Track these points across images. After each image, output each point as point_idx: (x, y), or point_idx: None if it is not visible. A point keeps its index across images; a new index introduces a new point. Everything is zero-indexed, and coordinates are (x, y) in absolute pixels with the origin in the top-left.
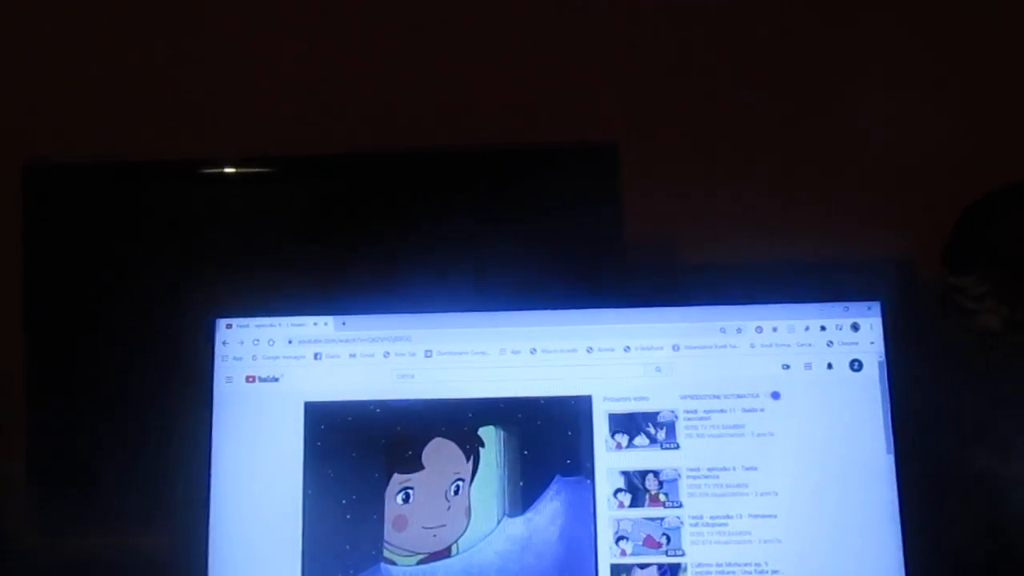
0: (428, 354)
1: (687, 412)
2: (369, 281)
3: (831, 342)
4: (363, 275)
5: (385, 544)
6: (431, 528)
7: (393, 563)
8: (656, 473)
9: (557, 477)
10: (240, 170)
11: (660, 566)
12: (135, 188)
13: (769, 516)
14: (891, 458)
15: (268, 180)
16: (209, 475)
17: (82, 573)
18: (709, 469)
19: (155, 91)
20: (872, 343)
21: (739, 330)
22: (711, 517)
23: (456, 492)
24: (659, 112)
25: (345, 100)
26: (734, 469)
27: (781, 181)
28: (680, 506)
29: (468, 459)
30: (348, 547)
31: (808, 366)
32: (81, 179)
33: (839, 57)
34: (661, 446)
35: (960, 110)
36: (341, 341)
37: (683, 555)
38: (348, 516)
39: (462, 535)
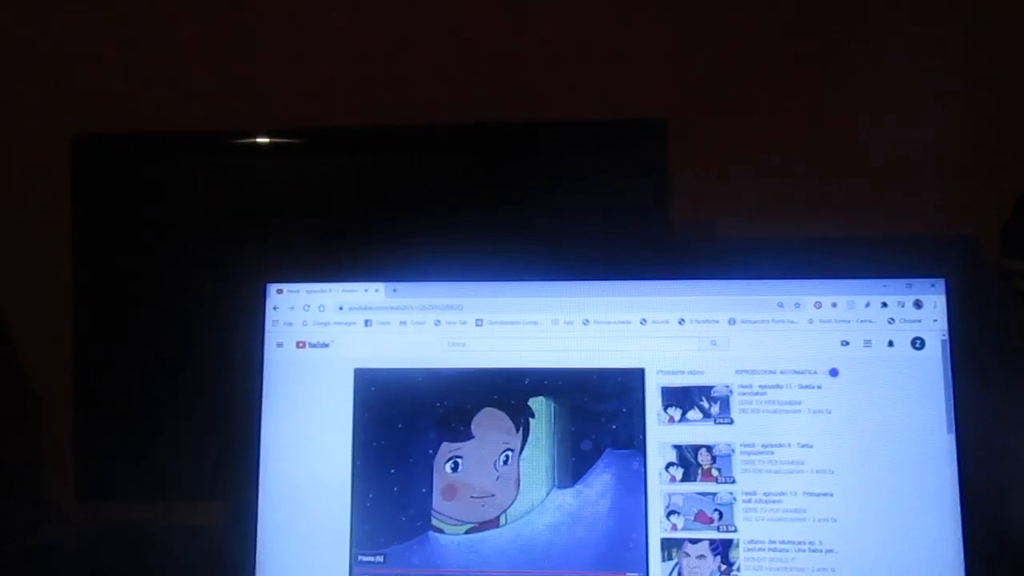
0: (479, 323)
1: (742, 387)
2: (420, 249)
3: (892, 319)
4: (415, 243)
5: (433, 513)
6: (480, 498)
7: (441, 531)
8: (709, 448)
9: (608, 450)
10: (291, 140)
11: (712, 542)
12: (185, 157)
13: (825, 495)
14: (952, 438)
15: (322, 151)
16: (259, 440)
17: (129, 541)
18: (764, 445)
19: (209, 62)
20: (935, 321)
21: (797, 305)
22: (764, 493)
23: (505, 462)
24: (710, 89)
25: (401, 73)
26: (789, 446)
27: (835, 161)
28: (733, 482)
29: (518, 430)
30: (397, 515)
31: (868, 343)
32: (130, 149)
33: (900, 34)
34: (715, 421)
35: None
36: (392, 308)
37: (735, 531)
38: (396, 485)
39: (511, 505)
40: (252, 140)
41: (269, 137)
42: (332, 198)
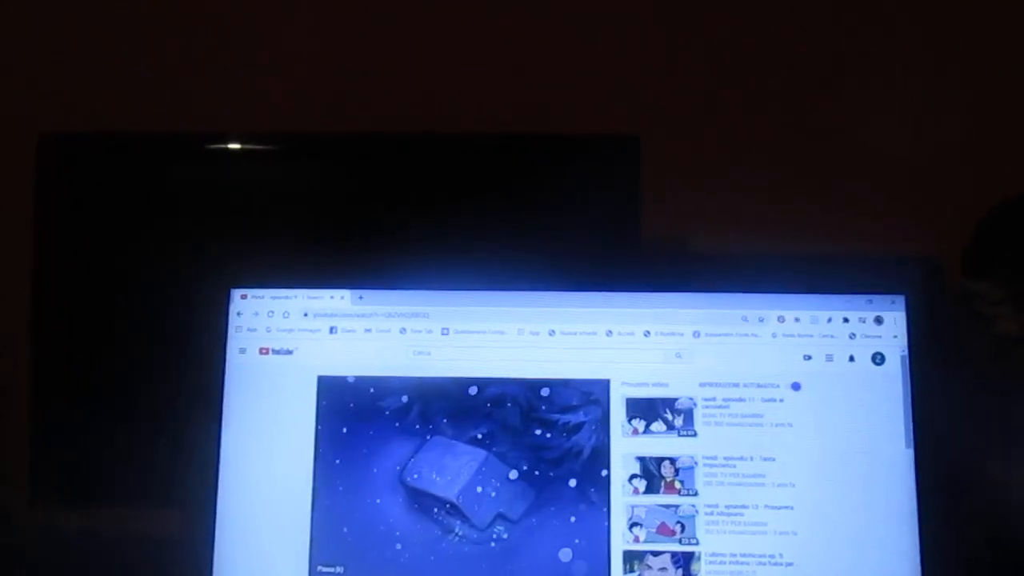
0: (445, 332)
1: (706, 400)
2: (387, 257)
3: (854, 334)
4: (381, 251)
5: (395, 523)
6: (443, 509)
7: (403, 542)
8: (672, 460)
9: (572, 460)
10: (258, 147)
11: (674, 554)
12: (150, 160)
13: (785, 507)
14: (910, 453)
15: (290, 157)
16: (219, 447)
17: (86, 550)
18: (726, 458)
19: (174, 65)
20: (895, 337)
21: (761, 319)
22: (727, 506)
23: (469, 472)
24: (681, 106)
25: (373, 83)
26: (751, 459)
27: (803, 178)
28: (696, 494)
29: (482, 440)
30: (358, 526)
31: (830, 358)
32: (95, 150)
33: (866, 56)
34: (678, 433)
35: (989, 110)
36: (357, 315)
37: (697, 544)
38: (358, 495)
39: (474, 516)
40: (223, 145)
41: (240, 142)
42: (301, 204)
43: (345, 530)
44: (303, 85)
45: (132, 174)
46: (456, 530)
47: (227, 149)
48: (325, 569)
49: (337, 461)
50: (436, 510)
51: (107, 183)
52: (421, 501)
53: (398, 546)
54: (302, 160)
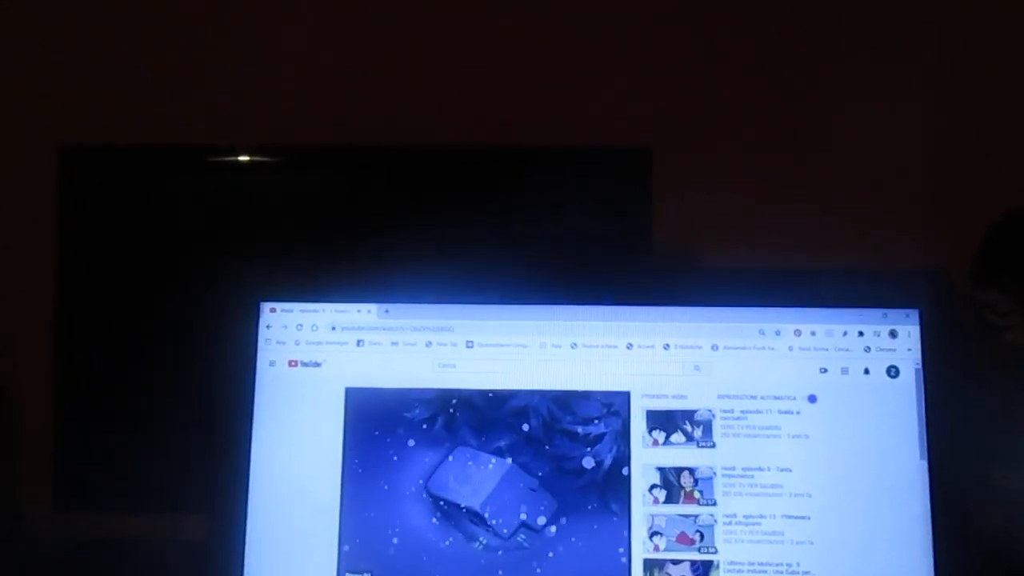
0: (469, 344)
1: (724, 412)
2: (413, 271)
3: (869, 348)
4: (407, 265)
5: (422, 532)
6: (468, 517)
7: (429, 550)
8: (692, 471)
9: (593, 471)
10: (287, 158)
11: (693, 563)
12: (178, 171)
13: (802, 518)
14: (924, 464)
15: (315, 170)
16: (248, 457)
17: (116, 561)
18: (744, 468)
19: (204, 77)
20: (909, 350)
21: (778, 332)
22: (745, 516)
23: (494, 482)
24: (693, 118)
25: (390, 94)
26: (769, 469)
27: (815, 191)
28: (714, 504)
29: (506, 451)
30: (385, 534)
31: (845, 371)
32: (121, 160)
33: (879, 70)
34: (697, 444)
35: (997, 120)
36: (384, 329)
37: (716, 552)
38: (385, 503)
39: (498, 524)
40: (248, 157)
41: (265, 154)
42: (326, 217)
43: (372, 538)
44: (327, 99)
45: (153, 185)
46: (480, 538)
47: (251, 161)
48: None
49: (364, 471)
50: (461, 519)
51: (131, 194)
52: (446, 510)
53: (424, 554)
54: (326, 173)
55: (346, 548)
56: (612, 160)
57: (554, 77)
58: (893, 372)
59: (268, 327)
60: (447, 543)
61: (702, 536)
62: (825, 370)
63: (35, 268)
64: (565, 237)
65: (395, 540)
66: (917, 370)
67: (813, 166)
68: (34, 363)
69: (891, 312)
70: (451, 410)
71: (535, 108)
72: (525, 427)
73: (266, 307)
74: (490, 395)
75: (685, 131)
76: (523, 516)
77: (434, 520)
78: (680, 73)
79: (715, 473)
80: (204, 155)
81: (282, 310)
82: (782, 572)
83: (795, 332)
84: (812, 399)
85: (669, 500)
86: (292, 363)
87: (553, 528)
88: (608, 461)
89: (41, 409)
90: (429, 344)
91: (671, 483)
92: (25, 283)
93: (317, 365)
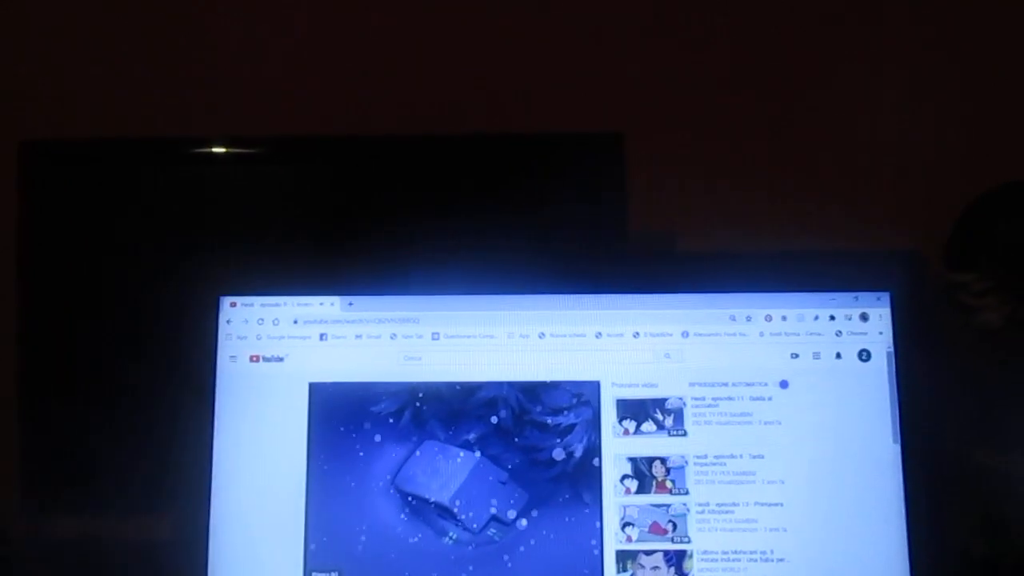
0: (435, 336)
1: (695, 399)
2: (377, 263)
3: (840, 332)
4: (370, 257)
5: (389, 528)
6: (436, 512)
7: (396, 546)
8: (663, 460)
9: (563, 462)
10: (244, 150)
11: (666, 552)
12: (135, 166)
13: (775, 504)
14: (897, 448)
15: (275, 161)
16: (211, 455)
17: (78, 559)
18: (716, 456)
19: (158, 69)
20: (881, 333)
21: (749, 318)
22: (717, 504)
23: (462, 476)
24: (665, 103)
25: (356, 85)
26: (741, 457)
27: (788, 175)
28: (687, 493)
29: (474, 443)
30: (352, 531)
31: (817, 355)
32: (78, 156)
33: (849, 52)
34: (669, 433)
35: (972, 106)
36: (348, 322)
37: (689, 542)
38: (351, 500)
39: (467, 519)
40: (208, 149)
41: (225, 146)
42: (287, 209)
43: (339, 535)
44: (287, 88)
45: (116, 180)
46: (450, 533)
47: (212, 153)
48: (319, 574)
49: (330, 467)
50: (430, 514)
51: (90, 189)
52: (415, 505)
53: (393, 551)
54: (287, 164)
55: (312, 546)
56: (584, 146)
57: (525, 64)
58: (865, 356)
59: (228, 322)
60: (416, 539)
61: (675, 526)
62: (796, 355)
63: None
64: (538, 225)
65: (363, 537)
66: (889, 353)
67: (786, 150)
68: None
69: (862, 295)
70: (418, 403)
71: (505, 95)
72: (494, 419)
73: (226, 301)
74: (457, 387)
75: (657, 116)
76: (493, 510)
77: (403, 516)
78: (652, 57)
79: (687, 462)
80: (166, 149)
81: (243, 304)
82: (756, 560)
83: (766, 317)
84: (784, 385)
85: (641, 490)
86: (254, 358)
87: (524, 521)
88: (579, 452)
89: (3, 409)
90: (394, 336)
91: (643, 473)
92: None
93: (280, 360)
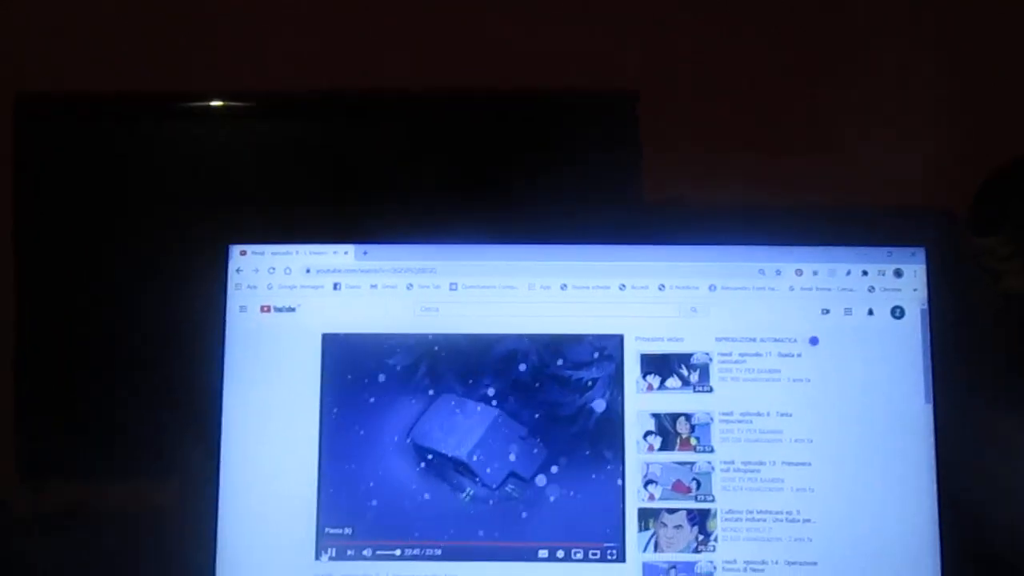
0: (453, 287)
1: (722, 355)
2: (393, 211)
3: (873, 288)
4: (385, 206)
5: (404, 482)
6: (453, 467)
7: (412, 501)
8: (688, 416)
9: (585, 418)
10: (252, 104)
11: (689, 511)
12: (137, 119)
13: (803, 464)
14: (929, 408)
15: (287, 116)
16: (220, 410)
17: (77, 522)
18: (742, 414)
19: (167, 20)
20: (915, 290)
21: (778, 272)
22: (743, 463)
23: (481, 430)
24: (682, 60)
25: (364, 37)
26: (768, 415)
27: (816, 135)
28: (712, 451)
29: (493, 397)
30: (366, 486)
31: (848, 311)
32: (78, 108)
33: (871, 8)
34: (694, 389)
35: (1007, 59)
36: (362, 271)
37: (713, 501)
38: (366, 454)
39: (486, 474)
40: (211, 103)
41: (233, 100)
42: (300, 164)
43: (353, 491)
44: (295, 40)
45: (117, 132)
46: (467, 489)
47: (222, 107)
48: (333, 531)
49: (344, 421)
50: (446, 469)
51: (91, 141)
52: (431, 460)
53: (408, 507)
54: (299, 119)
55: (326, 502)
56: (597, 105)
57: (541, 19)
58: (898, 313)
59: (238, 271)
60: (432, 494)
61: (699, 484)
62: (827, 311)
63: None
64: (552, 184)
65: (378, 492)
66: (923, 311)
67: (814, 110)
68: None
69: (896, 251)
70: (434, 356)
71: (521, 51)
72: (513, 373)
73: (236, 250)
74: (476, 340)
75: (674, 75)
76: (512, 466)
77: (418, 471)
78: (669, 15)
79: (712, 419)
80: (169, 102)
81: (253, 253)
82: (782, 520)
83: (796, 272)
84: (814, 341)
85: (664, 447)
86: (265, 308)
87: (543, 478)
88: (600, 407)
89: (4, 373)
90: (410, 287)
91: (666, 430)
92: None
93: (291, 310)
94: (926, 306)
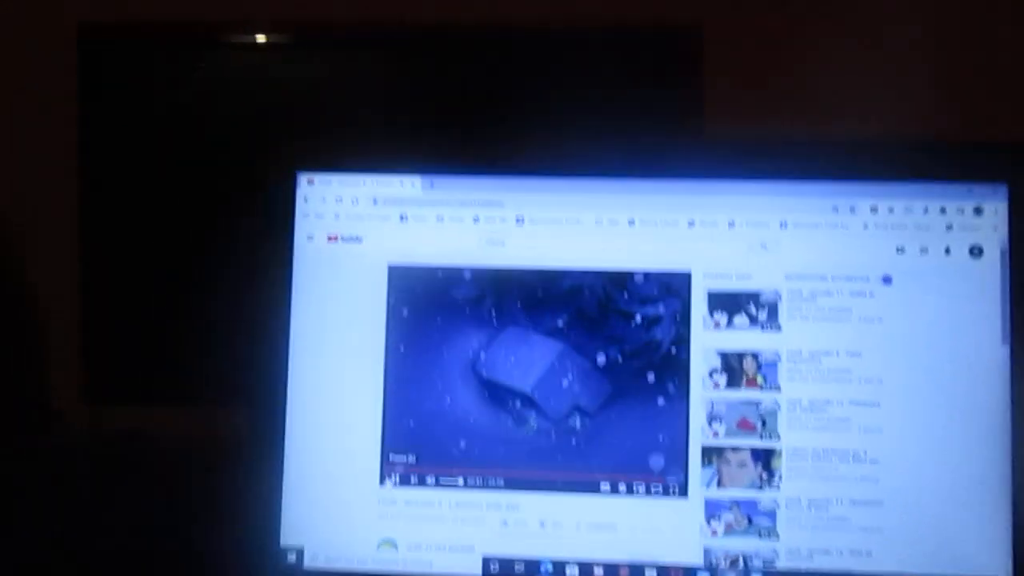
0: (520, 220)
1: (791, 293)
2: (459, 143)
3: (951, 225)
4: (453, 139)
5: (467, 413)
6: (516, 398)
7: (476, 431)
8: (755, 355)
9: (651, 353)
10: (314, 36)
11: (754, 450)
12: (202, 48)
13: (871, 404)
14: (1006, 350)
15: (352, 47)
16: (288, 335)
17: (149, 451)
18: (811, 353)
19: None
20: (995, 229)
21: (852, 209)
22: (810, 402)
23: (545, 363)
24: None
25: None
26: (837, 354)
27: (892, 64)
28: (778, 389)
29: (559, 330)
30: (429, 415)
31: (924, 250)
32: (141, 37)
33: None
34: (762, 327)
35: None
36: (429, 203)
37: (778, 439)
38: (430, 384)
39: (548, 405)
40: (283, 35)
41: (297, 35)
42: (368, 96)
43: (417, 420)
44: None
45: (182, 60)
46: (530, 422)
47: (287, 41)
48: (397, 457)
49: (408, 351)
50: (510, 401)
51: (154, 70)
52: (495, 392)
53: (471, 436)
54: (368, 53)
55: (390, 429)
56: (659, 40)
57: None
58: (976, 252)
59: (306, 200)
60: (495, 425)
61: (764, 423)
62: (902, 249)
63: (58, 153)
64: (612, 123)
65: (441, 422)
66: (1003, 250)
67: (885, 37)
68: (60, 253)
69: (976, 187)
70: (500, 289)
71: None
72: (578, 307)
73: (303, 178)
74: (541, 273)
75: (740, 7)
76: (576, 399)
77: (482, 401)
78: None
79: (780, 358)
80: (234, 33)
81: (320, 181)
82: (848, 460)
83: (871, 208)
84: (887, 280)
85: (730, 385)
86: (331, 238)
87: (607, 412)
88: (666, 344)
89: (69, 300)
90: (477, 219)
91: (732, 367)
92: (48, 169)
93: (358, 240)
94: (1006, 245)
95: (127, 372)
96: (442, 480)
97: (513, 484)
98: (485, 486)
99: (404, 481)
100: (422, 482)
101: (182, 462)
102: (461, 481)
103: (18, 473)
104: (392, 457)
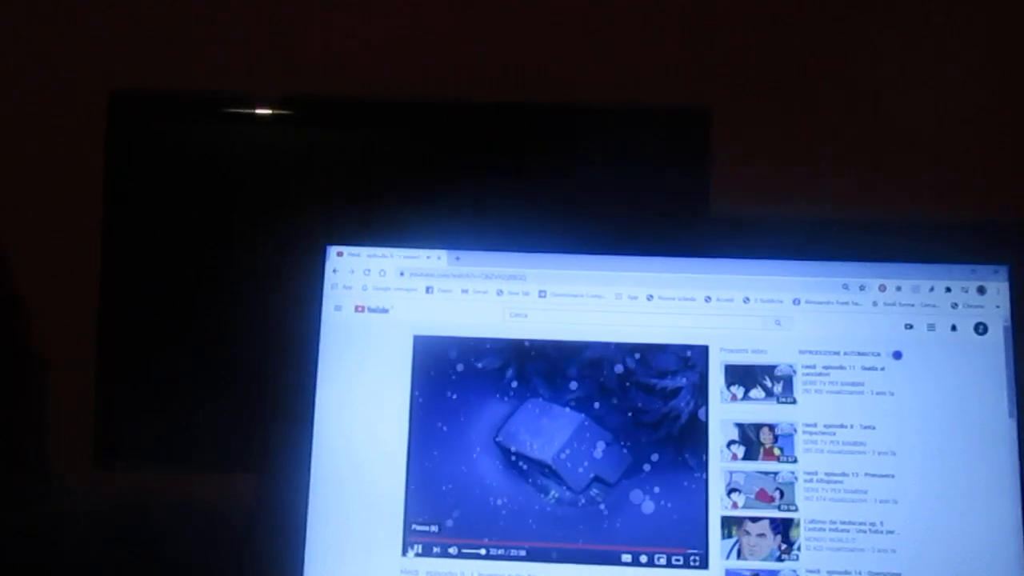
0: (542, 294)
1: (805, 367)
2: (485, 218)
3: (956, 304)
4: (478, 212)
5: (490, 484)
6: (540, 470)
7: (498, 502)
8: (772, 427)
9: (670, 426)
10: (344, 110)
11: (773, 520)
12: (234, 120)
13: (886, 476)
14: (1013, 423)
15: (378, 124)
16: (314, 407)
17: (159, 520)
18: (826, 425)
19: (266, 24)
20: (998, 307)
21: (862, 287)
22: (826, 473)
23: (566, 435)
24: (754, 76)
25: (459, 49)
26: (852, 427)
27: (894, 149)
28: (795, 461)
29: (580, 403)
30: (453, 485)
31: (931, 327)
32: (171, 108)
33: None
34: (777, 400)
35: None
36: (454, 276)
37: (796, 510)
38: (453, 454)
39: (571, 478)
40: (306, 108)
41: (326, 108)
42: (391, 171)
43: (440, 489)
44: (387, 49)
45: (210, 132)
46: (552, 492)
47: (310, 112)
48: (420, 527)
49: (432, 421)
50: (532, 472)
51: (186, 142)
52: (516, 463)
53: (493, 506)
54: (393, 126)
55: (413, 500)
56: (668, 120)
57: (610, 32)
58: (981, 329)
59: (335, 271)
60: (518, 496)
61: (782, 493)
62: (911, 326)
63: (81, 214)
64: (620, 201)
65: (464, 492)
66: (1006, 328)
67: (889, 121)
68: (78, 314)
69: (980, 268)
70: (522, 360)
71: (590, 65)
72: (599, 379)
73: (333, 250)
74: (563, 346)
75: (745, 89)
76: (596, 470)
77: (504, 472)
78: (739, 29)
79: (796, 429)
80: (260, 105)
81: (349, 254)
82: (865, 531)
83: (880, 287)
84: (897, 355)
85: (748, 456)
86: (359, 308)
87: (628, 483)
88: (685, 416)
89: (84, 361)
90: (500, 292)
91: (750, 439)
92: (70, 229)
93: (385, 311)
94: (1009, 323)
95: (141, 437)
96: (464, 550)
97: (535, 555)
98: (507, 557)
99: (427, 551)
100: (444, 552)
101: (199, 529)
102: (483, 551)
103: (20, 543)
104: (415, 527)
